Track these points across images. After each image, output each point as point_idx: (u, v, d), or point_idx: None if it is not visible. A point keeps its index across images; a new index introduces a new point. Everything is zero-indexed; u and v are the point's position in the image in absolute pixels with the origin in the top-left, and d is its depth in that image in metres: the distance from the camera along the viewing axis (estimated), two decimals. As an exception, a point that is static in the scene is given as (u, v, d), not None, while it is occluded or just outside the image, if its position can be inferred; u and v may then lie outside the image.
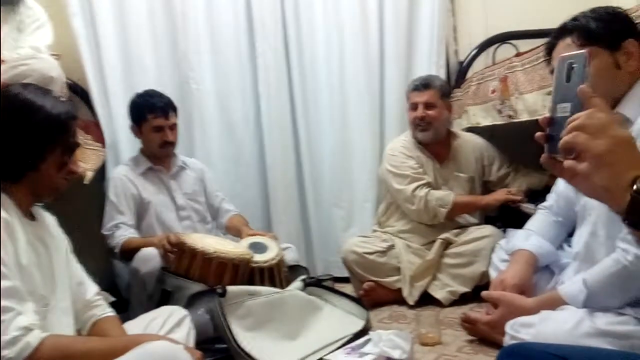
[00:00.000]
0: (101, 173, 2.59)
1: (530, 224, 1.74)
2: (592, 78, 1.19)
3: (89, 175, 2.14)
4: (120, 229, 2.19)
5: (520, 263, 1.59)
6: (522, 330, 1.32)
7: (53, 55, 2.03)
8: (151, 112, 2.26)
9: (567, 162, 0.64)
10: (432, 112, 2.37)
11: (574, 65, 0.69)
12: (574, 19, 1.30)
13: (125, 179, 2.28)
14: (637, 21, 1.32)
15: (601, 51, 1.22)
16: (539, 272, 1.61)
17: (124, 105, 2.66)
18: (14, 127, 1.08)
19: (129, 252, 2.10)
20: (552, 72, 0.93)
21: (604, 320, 1.18)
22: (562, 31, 1.31)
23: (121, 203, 2.24)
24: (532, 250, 1.60)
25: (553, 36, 1.33)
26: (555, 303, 1.33)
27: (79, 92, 2.61)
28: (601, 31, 1.24)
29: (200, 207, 2.42)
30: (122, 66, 2.66)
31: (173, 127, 2.33)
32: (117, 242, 2.16)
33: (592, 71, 1.19)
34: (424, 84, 2.40)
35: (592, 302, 1.21)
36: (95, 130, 2.54)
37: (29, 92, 1.12)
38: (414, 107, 2.41)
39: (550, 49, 1.33)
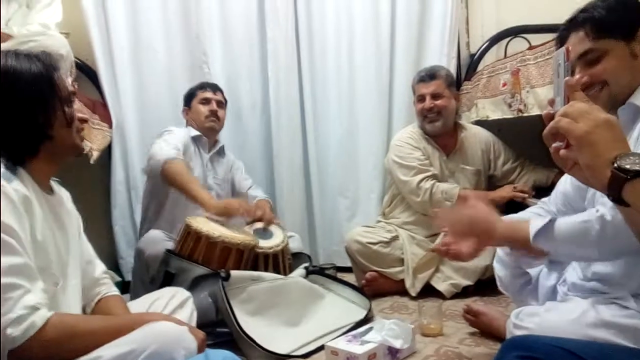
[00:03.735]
0: (107, 154, 2.59)
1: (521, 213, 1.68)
2: (612, 72, 1.17)
3: (95, 155, 2.13)
4: (173, 147, 2.16)
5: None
6: (526, 319, 1.31)
7: (62, 33, 2.02)
8: (200, 88, 2.45)
9: (562, 151, 0.70)
10: (440, 101, 2.35)
11: (559, 62, 0.75)
12: (584, 10, 1.25)
13: (183, 134, 2.32)
14: None
15: (616, 43, 1.18)
16: (541, 270, 1.58)
17: (132, 87, 2.66)
18: (5, 103, 1.03)
19: (170, 176, 2.09)
20: None
21: (609, 313, 1.18)
22: (573, 24, 1.25)
23: (178, 138, 2.25)
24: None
25: (562, 29, 1.27)
26: (519, 232, 1.22)
27: (87, 71, 2.61)
28: (614, 22, 1.19)
29: (224, 195, 2.45)
30: (131, 47, 2.66)
31: (219, 104, 2.44)
32: (166, 156, 2.11)
33: (610, 65, 1.17)
34: (430, 75, 2.38)
35: (548, 241, 1.16)
36: (103, 111, 2.53)
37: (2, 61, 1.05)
38: (421, 98, 2.39)
39: (561, 43, 1.28)
